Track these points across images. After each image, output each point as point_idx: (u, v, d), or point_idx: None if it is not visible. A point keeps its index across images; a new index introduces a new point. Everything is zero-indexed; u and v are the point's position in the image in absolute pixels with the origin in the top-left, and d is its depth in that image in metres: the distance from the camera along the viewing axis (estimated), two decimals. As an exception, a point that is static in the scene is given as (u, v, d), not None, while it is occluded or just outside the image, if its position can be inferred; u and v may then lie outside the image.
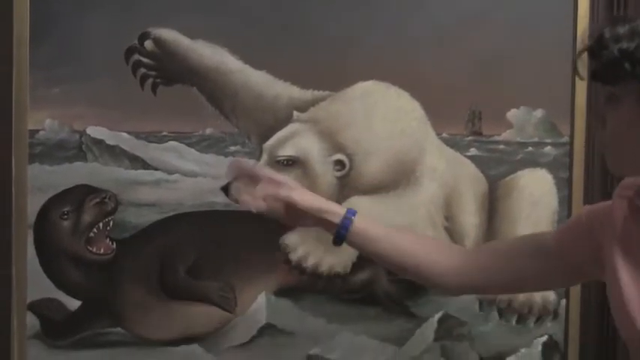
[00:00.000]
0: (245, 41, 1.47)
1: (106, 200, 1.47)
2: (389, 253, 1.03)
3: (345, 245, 1.40)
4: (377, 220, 1.42)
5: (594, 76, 0.82)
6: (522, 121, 1.53)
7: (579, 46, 0.91)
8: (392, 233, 1.03)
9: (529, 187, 1.54)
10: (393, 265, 1.05)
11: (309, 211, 1.00)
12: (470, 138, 1.54)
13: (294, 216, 1.01)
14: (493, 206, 1.55)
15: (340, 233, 0.99)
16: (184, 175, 1.51)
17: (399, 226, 1.47)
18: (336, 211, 1.00)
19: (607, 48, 0.79)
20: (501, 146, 1.55)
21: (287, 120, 1.50)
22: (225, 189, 1.44)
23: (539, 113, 1.53)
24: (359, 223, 1.00)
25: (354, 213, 1.00)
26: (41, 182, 1.47)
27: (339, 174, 1.49)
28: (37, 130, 1.47)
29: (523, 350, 1.54)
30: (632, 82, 0.77)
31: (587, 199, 1.49)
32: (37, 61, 1.45)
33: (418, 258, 1.02)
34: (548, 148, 1.55)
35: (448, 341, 1.53)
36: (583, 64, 0.95)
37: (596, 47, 0.80)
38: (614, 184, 1.48)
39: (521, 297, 1.51)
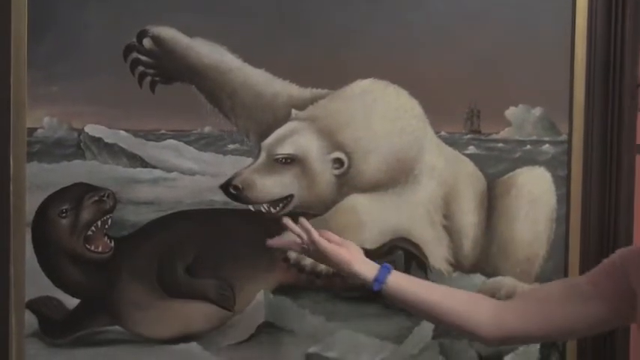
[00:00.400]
0: (244, 39, 1.46)
1: (105, 198, 1.46)
2: (427, 308, 1.12)
3: None
4: (376, 221, 1.49)
5: None
6: (521, 119, 1.52)
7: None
8: (430, 290, 1.13)
9: (527, 185, 1.53)
10: (433, 320, 1.14)
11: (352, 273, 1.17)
12: (468, 136, 1.53)
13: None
14: (492, 204, 1.54)
15: (374, 289, 1.14)
16: (183, 173, 1.50)
17: (401, 229, 1.51)
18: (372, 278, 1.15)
19: None
20: (500, 144, 1.54)
21: (286, 118, 1.49)
22: (224, 187, 1.47)
23: (537, 111, 1.53)
24: (393, 282, 1.13)
25: (388, 270, 1.15)
26: (39, 180, 1.46)
27: (337, 172, 1.49)
28: (36, 128, 1.46)
29: (522, 348, 1.54)
30: None
31: (585, 197, 1.51)
32: (35, 59, 1.44)
33: (459, 314, 1.08)
34: (546, 146, 1.54)
35: (447, 339, 1.53)
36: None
37: None
38: (612, 182, 1.52)
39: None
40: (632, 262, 0.95)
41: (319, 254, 1.20)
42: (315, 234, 1.20)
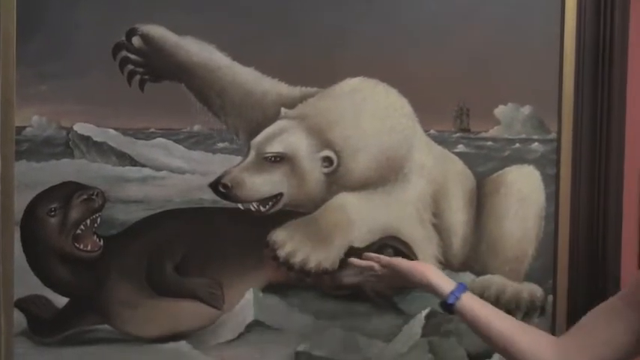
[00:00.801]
0: (233, 38, 1.45)
1: (94, 197, 1.46)
2: (496, 335, 1.14)
3: (332, 241, 1.51)
4: (366, 219, 1.51)
5: None
6: (510, 117, 1.51)
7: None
8: (501, 318, 1.15)
9: (516, 184, 1.52)
10: (498, 348, 1.15)
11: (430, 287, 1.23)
12: (458, 135, 1.51)
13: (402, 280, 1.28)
14: (481, 203, 1.53)
15: (449, 302, 1.18)
16: (172, 171, 1.49)
17: (390, 228, 1.51)
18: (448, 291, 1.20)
19: None
20: (489, 143, 1.53)
21: (275, 116, 1.49)
22: (214, 185, 1.47)
23: (526, 110, 1.51)
24: (468, 300, 1.17)
25: (464, 288, 1.19)
26: (28, 179, 1.46)
27: (326, 170, 1.48)
28: (24, 127, 1.45)
29: None
30: None
31: (575, 196, 1.50)
32: (24, 57, 1.43)
33: (526, 350, 1.10)
34: (535, 145, 1.53)
35: (436, 337, 1.52)
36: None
37: None
38: (601, 180, 1.51)
39: (509, 293, 1.50)
40: None
41: (395, 273, 1.29)
42: (384, 258, 1.32)
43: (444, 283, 1.20)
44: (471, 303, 1.16)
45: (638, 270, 1.49)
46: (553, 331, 1.51)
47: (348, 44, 1.46)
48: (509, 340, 1.11)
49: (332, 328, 1.51)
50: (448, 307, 1.18)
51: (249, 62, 1.46)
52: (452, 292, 1.18)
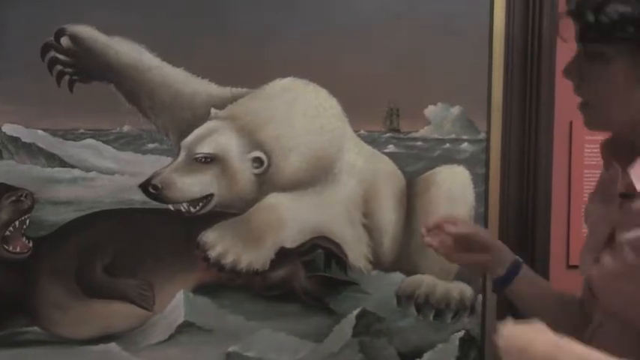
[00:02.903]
0: (162, 38, 1.46)
1: (22, 198, 1.46)
2: (537, 315, 1.09)
3: (263, 241, 1.50)
4: (296, 219, 1.50)
5: (582, 37, 0.89)
6: (440, 117, 1.52)
7: (562, 7, 0.97)
8: (539, 300, 1.16)
9: (446, 184, 1.53)
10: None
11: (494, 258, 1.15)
12: (388, 135, 1.52)
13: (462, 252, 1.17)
14: (411, 202, 1.54)
15: (498, 284, 1.16)
16: (102, 172, 1.49)
17: (321, 228, 1.50)
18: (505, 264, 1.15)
19: (603, 11, 0.84)
20: (419, 143, 1.53)
21: (205, 117, 1.49)
22: (144, 186, 1.47)
23: (456, 110, 1.52)
24: (521, 285, 1.15)
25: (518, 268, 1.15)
26: None
27: (257, 171, 1.48)
28: None
29: (440, 345, 1.54)
30: (627, 43, 0.84)
31: (504, 195, 1.50)
32: None
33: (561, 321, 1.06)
34: (465, 145, 1.54)
35: (366, 337, 1.53)
36: (565, 27, 0.98)
37: (590, 9, 0.86)
38: (530, 181, 1.51)
39: (439, 292, 1.51)
40: None
41: (462, 247, 1.18)
42: (461, 226, 1.18)
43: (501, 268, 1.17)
44: (519, 288, 1.15)
45: (566, 270, 1.49)
46: (483, 330, 1.53)
47: (278, 44, 1.47)
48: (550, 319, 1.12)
49: (263, 328, 1.51)
50: (499, 289, 1.17)
51: (179, 63, 1.46)
52: (505, 276, 1.15)
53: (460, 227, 1.16)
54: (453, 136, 1.54)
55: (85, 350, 1.48)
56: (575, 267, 1.47)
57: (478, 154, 1.53)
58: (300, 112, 1.50)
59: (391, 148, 1.53)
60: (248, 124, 1.49)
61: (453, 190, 1.53)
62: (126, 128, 1.48)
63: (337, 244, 1.52)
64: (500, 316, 1.48)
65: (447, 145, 1.54)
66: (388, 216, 1.53)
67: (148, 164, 1.48)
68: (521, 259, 1.18)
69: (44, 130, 1.48)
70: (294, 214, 1.50)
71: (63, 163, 1.49)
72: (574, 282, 1.48)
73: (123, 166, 1.49)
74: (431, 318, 1.54)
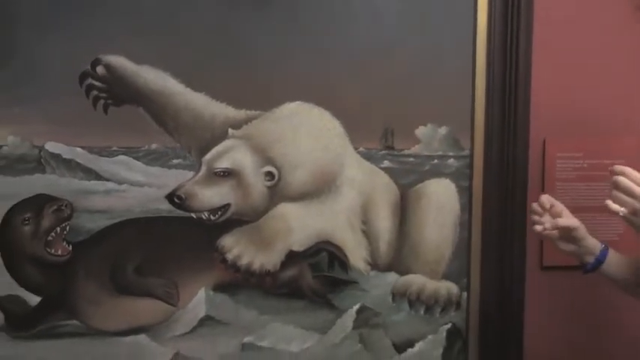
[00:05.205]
0: (185, 67, 1.52)
1: (63, 208, 1.53)
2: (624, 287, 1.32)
3: (274, 245, 1.56)
4: (303, 226, 1.58)
5: None
6: (429, 137, 1.59)
7: None
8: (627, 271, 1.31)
9: (435, 195, 1.60)
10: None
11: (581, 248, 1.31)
12: (384, 152, 1.58)
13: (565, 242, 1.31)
14: (404, 211, 1.61)
15: (587, 269, 1.32)
16: (132, 185, 1.56)
17: (325, 233, 1.59)
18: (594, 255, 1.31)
19: None
20: (411, 159, 1.59)
21: (223, 136, 1.55)
22: (169, 197, 1.55)
23: (443, 130, 1.59)
24: (606, 266, 1.31)
25: (604, 256, 1.31)
26: (4, 192, 1.53)
27: (269, 184, 1.56)
28: (1, 146, 1.53)
29: (430, 336, 1.62)
30: None
31: (485, 205, 1.59)
32: (0, 83, 1.50)
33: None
34: (451, 160, 1.60)
35: (365, 329, 1.61)
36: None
37: None
38: (509, 192, 1.59)
39: (428, 290, 1.60)
40: None
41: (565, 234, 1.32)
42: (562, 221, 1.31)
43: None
44: (606, 270, 1.31)
45: (540, 271, 1.62)
46: (467, 323, 1.63)
47: (288, 73, 1.53)
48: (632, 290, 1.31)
49: (274, 322, 1.59)
50: (588, 272, 1.32)
51: (200, 88, 1.53)
52: (593, 263, 1.31)
53: (566, 220, 1.30)
54: (441, 152, 1.60)
55: (117, 341, 1.57)
56: (548, 268, 1.61)
57: (463, 169, 1.60)
58: (306, 133, 1.56)
59: (386, 163, 1.60)
60: (261, 142, 1.56)
61: (441, 201, 1.61)
62: (154, 146, 1.55)
63: (339, 248, 1.60)
64: (482, 311, 1.63)
65: (436, 160, 1.60)
66: (384, 223, 1.61)
67: (173, 178, 1.55)
68: (607, 248, 1.32)
69: (82, 147, 1.55)
70: (301, 222, 1.59)
71: (98, 177, 1.56)
72: (547, 281, 1.62)
73: (151, 179, 1.56)
74: (422, 312, 1.62)
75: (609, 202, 1.17)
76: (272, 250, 1.59)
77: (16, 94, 1.52)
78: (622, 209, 1.15)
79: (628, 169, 1.18)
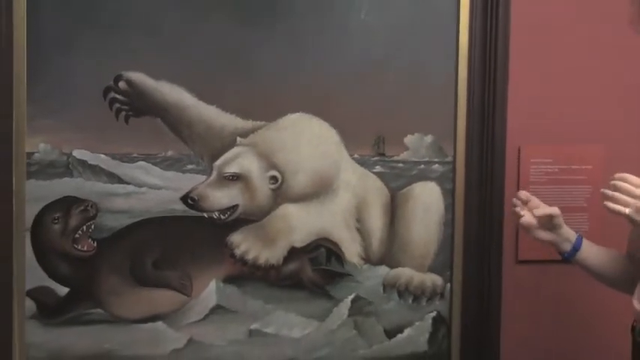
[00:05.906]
0: (198, 82, 1.60)
1: (89, 208, 1.60)
2: (599, 276, 1.41)
3: (277, 242, 1.63)
4: (304, 225, 1.65)
5: None
6: (416, 144, 1.67)
7: None
8: (605, 260, 1.39)
9: (422, 197, 1.68)
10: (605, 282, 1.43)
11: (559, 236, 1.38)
12: (376, 158, 1.66)
13: (544, 230, 1.38)
14: (394, 211, 1.68)
15: (566, 256, 1.40)
16: (151, 188, 1.62)
17: (323, 231, 1.66)
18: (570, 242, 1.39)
19: None
20: (400, 164, 1.66)
21: (232, 144, 1.62)
22: (183, 199, 1.63)
23: (429, 138, 1.67)
24: (582, 254, 1.38)
25: (580, 243, 1.38)
26: (36, 194, 1.58)
27: (273, 187, 1.64)
28: (33, 153, 1.58)
29: (417, 323, 1.70)
30: None
31: (467, 206, 1.69)
32: (32, 96, 1.56)
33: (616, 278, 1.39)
34: (436, 166, 1.68)
35: (359, 317, 1.67)
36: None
37: None
38: (488, 194, 1.69)
39: (416, 282, 1.69)
40: None
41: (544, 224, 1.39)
42: (541, 210, 1.38)
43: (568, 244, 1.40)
44: (582, 257, 1.39)
45: (515, 265, 1.71)
46: (451, 311, 1.71)
47: (289, 87, 1.62)
48: (609, 279, 1.39)
49: (278, 310, 1.66)
50: (566, 260, 1.40)
51: (211, 101, 1.61)
52: (570, 251, 1.39)
53: (549, 208, 1.37)
54: (427, 159, 1.68)
55: (137, 327, 1.62)
56: (523, 262, 1.72)
57: (447, 173, 1.69)
58: (307, 141, 1.64)
59: (378, 168, 1.67)
60: (266, 149, 1.63)
61: (427, 202, 1.69)
62: (170, 153, 1.61)
63: (336, 244, 1.68)
64: (464, 301, 1.71)
65: (422, 166, 1.68)
66: (376, 222, 1.69)
67: (187, 181, 1.62)
68: (581, 237, 1.40)
69: (106, 154, 1.61)
70: (302, 221, 1.66)
71: (120, 181, 1.62)
72: (522, 274, 1.72)
73: (167, 182, 1.62)
74: (410, 302, 1.70)
75: (609, 204, 1.21)
76: (276, 246, 1.66)
77: (47, 106, 1.58)
78: (626, 210, 1.20)
79: (628, 176, 1.24)
